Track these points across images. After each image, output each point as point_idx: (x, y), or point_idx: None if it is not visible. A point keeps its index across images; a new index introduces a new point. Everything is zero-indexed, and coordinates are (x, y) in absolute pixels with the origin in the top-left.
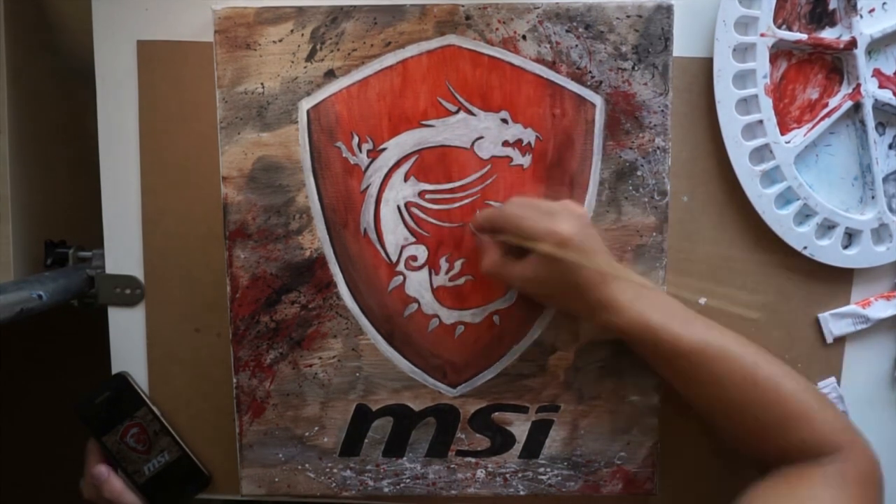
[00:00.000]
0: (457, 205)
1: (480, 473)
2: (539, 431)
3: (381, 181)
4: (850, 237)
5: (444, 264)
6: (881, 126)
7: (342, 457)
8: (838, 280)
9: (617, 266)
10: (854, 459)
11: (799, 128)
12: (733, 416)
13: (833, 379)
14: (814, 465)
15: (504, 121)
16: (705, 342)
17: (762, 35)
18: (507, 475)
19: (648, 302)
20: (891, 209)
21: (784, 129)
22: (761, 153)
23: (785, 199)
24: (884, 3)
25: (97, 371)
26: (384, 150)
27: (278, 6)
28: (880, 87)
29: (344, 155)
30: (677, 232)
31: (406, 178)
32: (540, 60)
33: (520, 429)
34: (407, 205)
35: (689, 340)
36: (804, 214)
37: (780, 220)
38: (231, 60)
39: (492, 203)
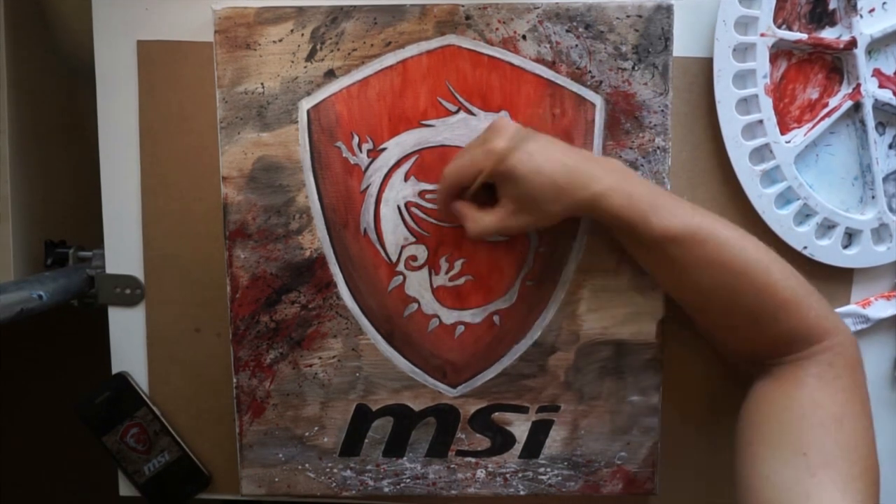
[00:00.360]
0: None
1: (480, 473)
2: (539, 431)
3: (381, 181)
4: (850, 237)
5: (443, 264)
6: (881, 126)
7: (342, 457)
8: (838, 280)
9: (587, 153)
10: (839, 346)
11: (799, 127)
12: (721, 304)
13: None
14: (803, 359)
15: None
16: (694, 227)
17: (762, 35)
18: (508, 475)
19: (635, 185)
20: (891, 209)
21: (784, 128)
22: (761, 153)
23: (785, 198)
24: (884, 3)
25: (97, 371)
26: (384, 149)
27: (278, 6)
28: (880, 86)
29: (344, 155)
30: None
31: (406, 178)
32: (540, 60)
33: (520, 429)
34: (407, 205)
35: (679, 224)
36: (804, 214)
37: (780, 219)
38: (231, 60)
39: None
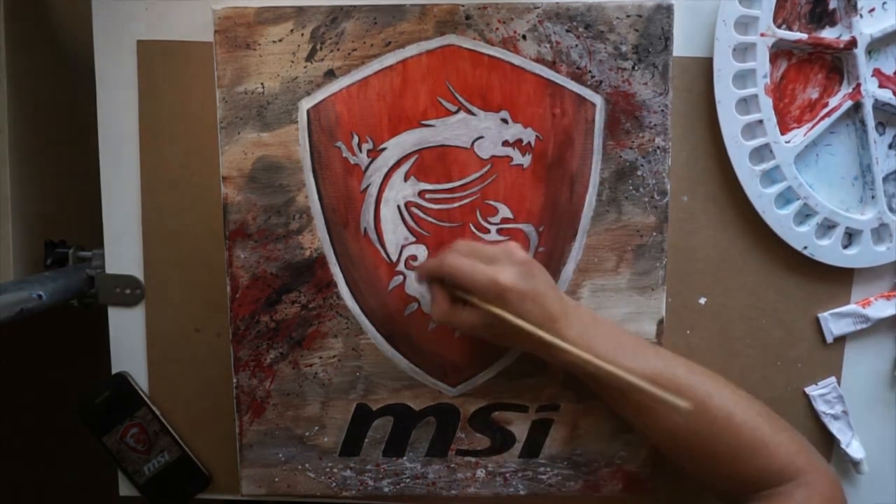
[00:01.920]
0: (457, 205)
1: (480, 473)
2: (539, 431)
3: (381, 181)
4: (850, 237)
5: None
6: (881, 126)
7: (342, 456)
8: (838, 280)
9: (566, 301)
10: (816, 483)
11: (799, 127)
12: (688, 447)
13: (833, 379)
14: (779, 494)
15: (504, 120)
16: (656, 373)
17: (762, 35)
18: (507, 475)
19: (596, 335)
20: (891, 209)
21: (784, 128)
22: (761, 153)
23: (785, 198)
24: (884, 3)
25: (97, 371)
26: (384, 149)
27: (278, 6)
28: (880, 86)
29: (344, 155)
30: (677, 232)
31: (406, 178)
32: (540, 60)
33: (520, 428)
34: (407, 204)
35: (640, 372)
36: (804, 214)
37: (780, 219)
38: (231, 60)
39: (491, 203)
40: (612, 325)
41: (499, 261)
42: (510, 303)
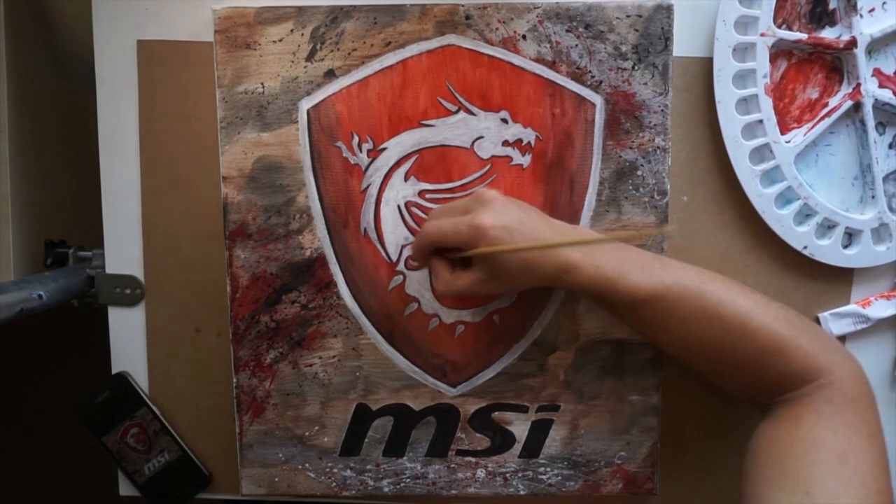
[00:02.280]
0: None
1: (480, 473)
2: (539, 431)
3: (381, 181)
4: (850, 237)
5: None
6: (881, 126)
7: (342, 456)
8: (838, 280)
9: (555, 223)
10: (838, 381)
11: (799, 127)
12: (705, 357)
13: None
14: (801, 396)
15: (504, 120)
16: (665, 286)
17: (762, 35)
18: (507, 475)
19: (602, 254)
20: (891, 209)
21: (784, 128)
22: (761, 153)
23: (785, 198)
24: (884, 3)
25: (97, 371)
26: (384, 149)
27: (278, 6)
28: (880, 86)
29: (344, 155)
30: (677, 232)
31: (406, 178)
32: (540, 60)
33: (520, 428)
34: (407, 204)
35: (648, 286)
36: (804, 214)
37: (780, 219)
38: (231, 60)
39: None
40: (616, 245)
41: (472, 208)
42: (499, 240)
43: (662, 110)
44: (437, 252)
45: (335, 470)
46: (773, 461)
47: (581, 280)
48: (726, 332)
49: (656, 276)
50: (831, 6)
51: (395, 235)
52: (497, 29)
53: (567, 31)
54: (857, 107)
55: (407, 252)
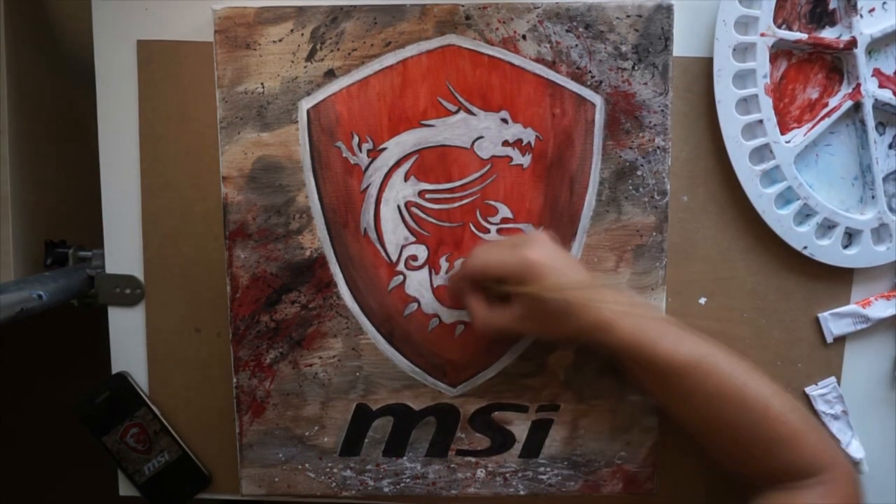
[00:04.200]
0: (457, 204)
1: (480, 473)
2: (539, 431)
3: (381, 181)
4: (850, 237)
5: (444, 264)
6: (881, 126)
7: (342, 456)
8: (838, 280)
9: (599, 279)
10: (836, 481)
11: (799, 127)
12: (722, 434)
13: (833, 379)
14: (799, 487)
15: (504, 120)
16: (698, 358)
17: (762, 35)
18: (507, 475)
19: (639, 318)
20: (891, 209)
21: (784, 128)
22: (761, 153)
23: (785, 198)
24: (884, 3)
25: (97, 371)
26: (384, 149)
27: (278, 6)
28: (880, 86)
29: (344, 155)
30: (677, 232)
31: (406, 178)
32: (540, 60)
33: (520, 428)
34: (407, 204)
35: (683, 356)
36: (804, 214)
37: (780, 219)
38: (231, 60)
39: (491, 203)
40: (649, 305)
41: (521, 244)
42: (546, 277)
43: (662, 110)
44: (474, 287)
45: (335, 470)
46: None
47: (620, 337)
48: (748, 413)
49: (690, 346)
50: (831, 6)
51: (395, 235)
52: (497, 29)
53: (567, 31)
54: (857, 107)
55: (407, 252)
